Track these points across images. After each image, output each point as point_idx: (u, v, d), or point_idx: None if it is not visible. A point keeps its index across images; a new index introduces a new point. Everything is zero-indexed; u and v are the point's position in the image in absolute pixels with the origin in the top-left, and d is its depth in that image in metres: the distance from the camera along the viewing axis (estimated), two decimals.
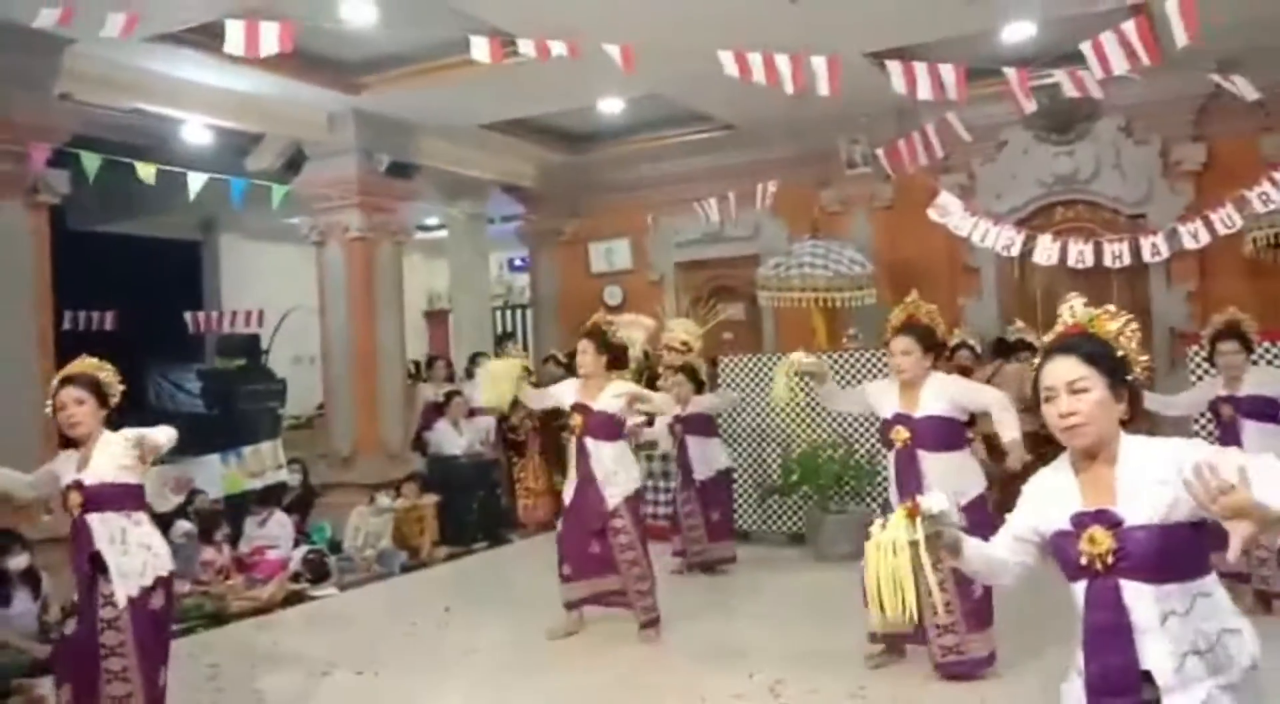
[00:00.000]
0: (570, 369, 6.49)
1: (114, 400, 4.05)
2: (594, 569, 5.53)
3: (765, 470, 8.07)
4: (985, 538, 4.09)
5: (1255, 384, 5.51)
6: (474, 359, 10.08)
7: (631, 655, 5.40)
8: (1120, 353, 2.29)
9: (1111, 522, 2.15)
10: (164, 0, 5.73)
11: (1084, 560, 2.18)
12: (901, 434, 4.58)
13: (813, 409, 7.87)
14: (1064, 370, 2.25)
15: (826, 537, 7.50)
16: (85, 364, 4.08)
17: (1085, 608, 2.20)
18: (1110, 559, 2.14)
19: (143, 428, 3.96)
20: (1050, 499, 2.30)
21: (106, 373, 4.07)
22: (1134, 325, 2.39)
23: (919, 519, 2.27)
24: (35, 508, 5.68)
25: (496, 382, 5.65)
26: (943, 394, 4.60)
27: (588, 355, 5.56)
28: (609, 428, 5.48)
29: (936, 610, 4.49)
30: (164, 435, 4.00)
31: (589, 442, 5.47)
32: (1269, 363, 6.12)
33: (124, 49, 6.66)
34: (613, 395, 5.48)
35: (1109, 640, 2.16)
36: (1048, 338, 2.43)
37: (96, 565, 3.84)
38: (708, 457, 7.20)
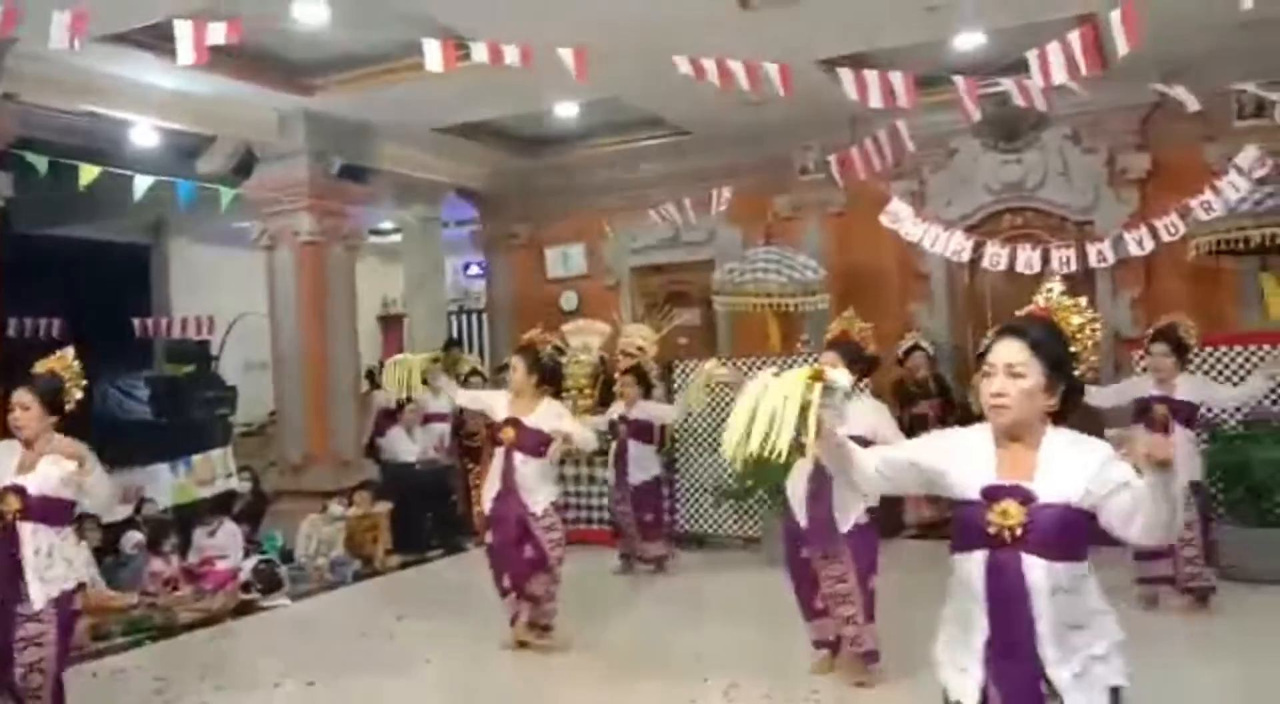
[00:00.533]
0: None
1: (68, 407, 4.07)
2: (526, 573, 5.48)
3: (720, 474, 8.09)
4: (868, 551, 4.42)
5: (1187, 391, 5.74)
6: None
7: (584, 661, 5.39)
8: (1070, 348, 2.40)
9: (1025, 497, 2.29)
10: (111, 0, 5.64)
11: (991, 530, 2.30)
12: None
13: None
14: (1007, 352, 2.36)
15: (780, 540, 7.53)
16: (51, 363, 4.11)
17: (985, 576, 2.31)
18: (1019, 532, 2.27)
19: (96, 466, 4.00)
20: (966, 461, 2.40)
21: (70, 374, 4.09)
22: (1097, 325, 2.49)
23: (819, 385, 2.30)
24: None
25: (403, 372, 5.68)
26: (866, 418, 4.57)
27: (518, 373, 5.56)
28: (537, 445, 5.47)
29: (840, 600, 4.66)
30: (105, 490, 4.08)
31: (517, 455, 5.46)
32: (1211, 366, 6.29)
33: (71, 50, 6.53)
34: (545, 417, 5.49)
35: (1012, 607, 2.29)
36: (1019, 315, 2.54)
37: (16, 569, 3.90)
38: (644, 463, 7.34)
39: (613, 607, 6.36)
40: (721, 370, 5.01)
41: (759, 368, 7.80)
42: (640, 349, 8.00)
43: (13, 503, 3.90)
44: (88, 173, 6.13)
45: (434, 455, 9.02)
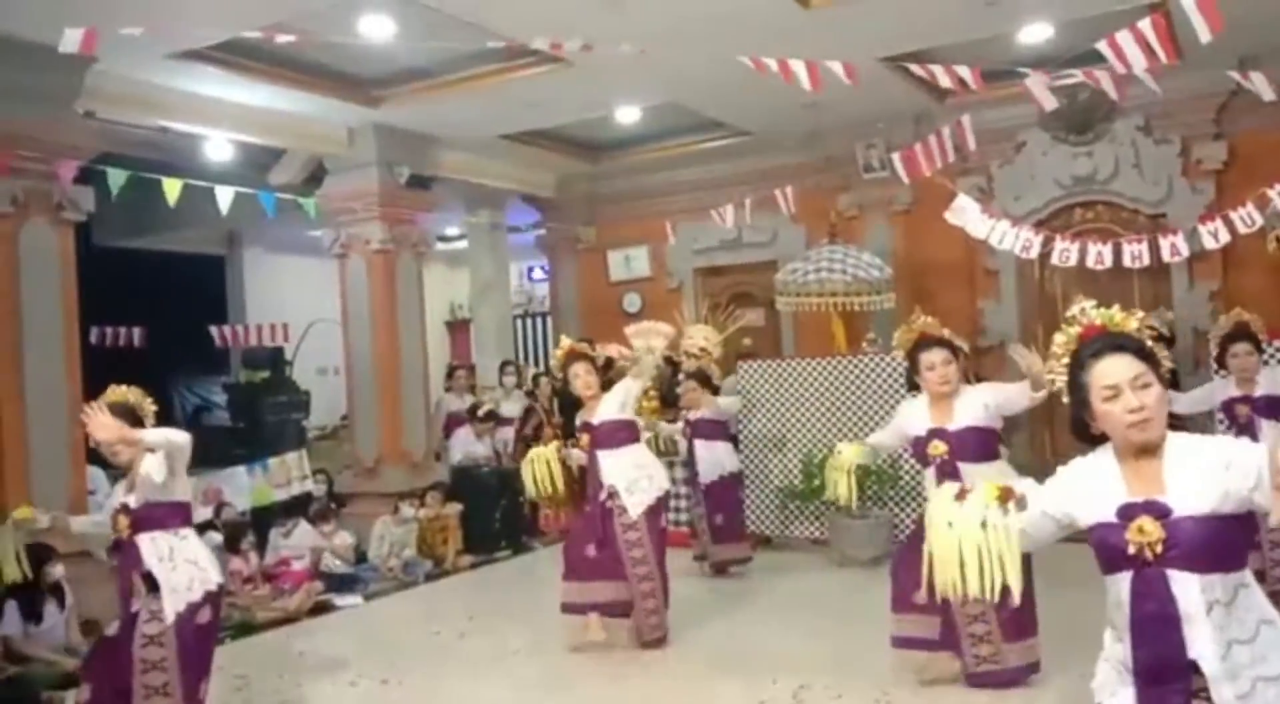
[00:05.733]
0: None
1: (149, 424, 4.13)
2: (586, 574, 5.50)
3: (787, 475, 8.07)
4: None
5: (1269, 384, 5.60)
6: (504, 367, 10.19)
7: (654, 661, 5.42)
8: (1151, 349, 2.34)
9: (1161, 512, 2.18)
10: (185, 18, 5.81)
11: (1131, 550, 2.20)
12: (939, 448, 4.45)
13: (835, 414, 7.88)
14: (1125, 368, 2.27)
15: (849, 541, 7.49)
16: (115, 393, 4.16)
17: (1131, 598, 2.22)
18: (1160, 549, 2.17)
19: (158, 430, 4.00)
20: (1091, 489, 2.32)
21: (136, 396, 4.16)
22: (1150, 325, 2.43)
23: (1012, 503, 2.27)
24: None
25: (539, 465, 5.80)
26: (976, 402, 4.50)
27: (592, 376, 5.62)
28: (618, 435, 5.51)
29: (972, 618, 4.43)
30: (179, 436, 4.02)
31: (599, 454, 5.52)
32: None
33: (145, 67, 6.75)
34: (610, 406, 5.53)
35: (1157, 629, 2.19)
36: (1061, 339, 2.44)
37: (150, 584, 3.92)
38: (714, 460, 7.30)
39: (682, 607, 6.35)
40: (851, 451, 4.80)
41: (826, 368, 7.83)
42: (703, 350, 7.99)
43: (124, 521, 3.98)
44: (171, 187, 6.30)
45: (497, 457, 9.15)
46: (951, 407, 4.53)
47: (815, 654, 5.29)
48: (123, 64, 6.51)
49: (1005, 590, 2.30)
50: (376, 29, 6.34)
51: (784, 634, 5.78)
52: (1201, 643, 2.15)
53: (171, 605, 3.88)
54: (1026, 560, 4.53)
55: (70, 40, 4.63)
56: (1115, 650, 2.32)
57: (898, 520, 7.50)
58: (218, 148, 8.53)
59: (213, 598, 4.02)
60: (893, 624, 4.73)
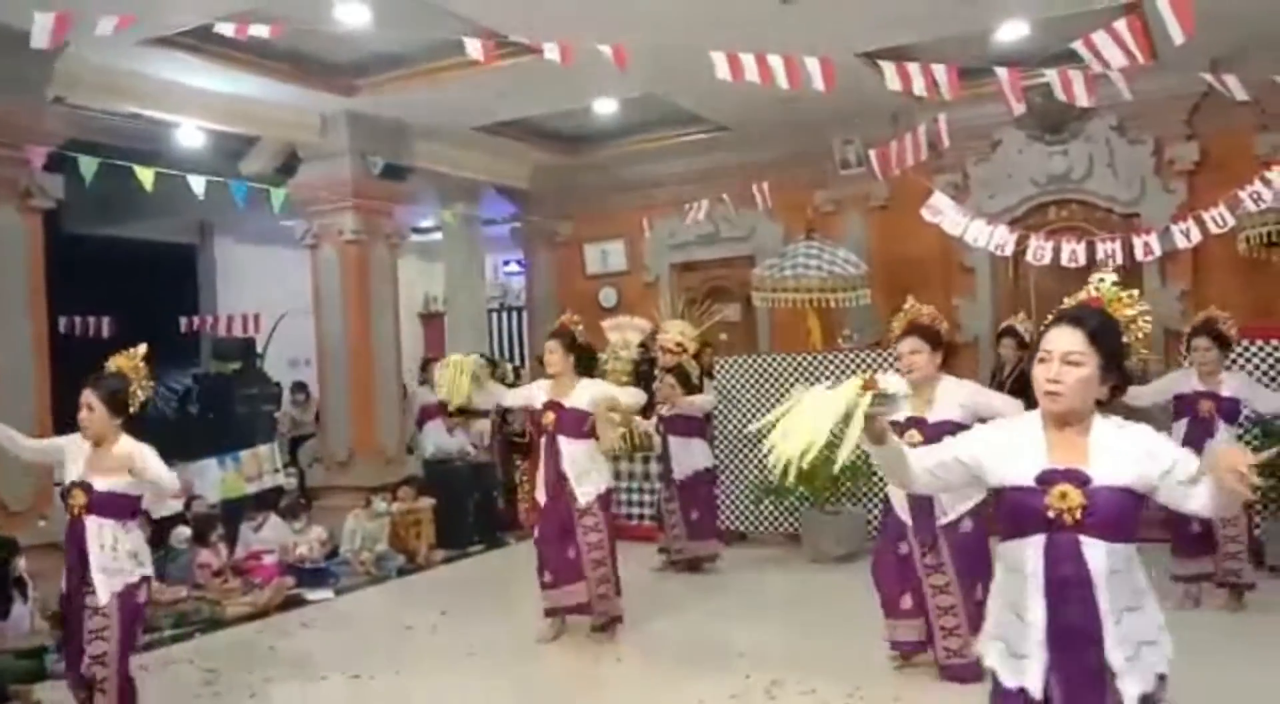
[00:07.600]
0: None
1: (132, 408, 4.12)
2: (572, 576, 5.50)
3: (760, 470, 8.07)
4: (974, 562, 4.23)
5: (1234, 388, 5.65)
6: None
7: (627, 656, 5.41)
8: (1124, 338, 2.42)
9: (1081, 480, 2.30)
10: (156, 4, 5.73)
11: (1050, 514, 2.31)
12: (915, 438, 4.44)
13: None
14: (1064, 340, 2.36)
15: (822, 537, 7.51)
16: (120, 361, 4.19)
17: (1045, 562, 2.32)
18: (1079, 514, 2.29)
19: (158, 468, 4.03)
20: (1014, 450, 2.42)
21: (137, 375, 4.16)
22: (1148, 317, 2.51)
23: (871, 394, 2.36)
24: (31, 514, 5.69)
25: (454, 372, 5.65)
26: (952, 401, 4.57)
27: (556, 355, 5.60)
28: (580, 426, 5.49)
29: (943, 612, 4.52)
30: (169, 482, 4.12)
31: (561, 439, 5.50)
32: (1258, 362, 6.22)
33: (117, 53, 6.66)
34: (585, 393, 5.52)
35: (1072, 592, 2.30)
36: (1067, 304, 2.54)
37: (84, 563, 3.98)
38: (687, 457, 7.27)
39: (656, 602, 6.37)
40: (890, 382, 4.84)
41: (801, 364, 7.85)
42: (679, 346, 7.98)
43: (79, 498, 3.98)
44: (144, 174, 6.21)
45: (471, 450, 9.10)
46: (932, 397, 4.62)
47: (788, 649, 5.30)
48: (94, 50, 6.41)
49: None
50: (351, 16, 6.27)
51: (757, 629, 5.78)
52: (1104, 608, 2.29)
53: (106, 587, 3.97)
54: (987, 555, 4.62)
55: (40, 31, 4.56)
56: (1007, 624, 2.40)
57: (870, 517, 7.52)
58: (189, 136, 8.42)
59: (146, 581, 4.14)
60: (887, 629, 4.82)
